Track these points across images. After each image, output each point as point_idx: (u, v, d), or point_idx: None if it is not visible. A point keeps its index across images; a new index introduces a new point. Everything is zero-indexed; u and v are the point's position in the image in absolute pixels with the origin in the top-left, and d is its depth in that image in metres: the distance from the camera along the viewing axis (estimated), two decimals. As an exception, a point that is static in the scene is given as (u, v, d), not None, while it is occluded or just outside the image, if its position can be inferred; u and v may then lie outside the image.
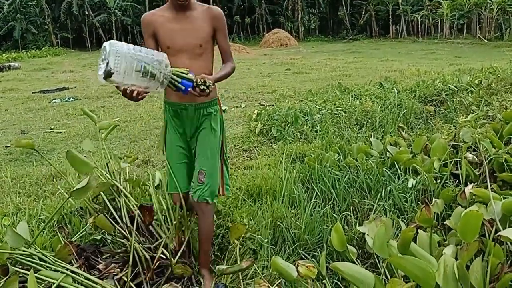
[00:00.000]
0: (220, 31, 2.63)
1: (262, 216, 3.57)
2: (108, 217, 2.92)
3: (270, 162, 4.79)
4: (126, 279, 2.61)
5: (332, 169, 4.13)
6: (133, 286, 2.61)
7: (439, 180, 3.61)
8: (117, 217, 2.97)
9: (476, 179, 3.47)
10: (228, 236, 3.11)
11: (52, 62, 17.52)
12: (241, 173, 4.61)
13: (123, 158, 3.50)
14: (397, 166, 3.98)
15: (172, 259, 2.66)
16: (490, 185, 3.11)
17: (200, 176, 2.66)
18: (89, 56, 17.24)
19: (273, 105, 7.27)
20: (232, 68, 2.73)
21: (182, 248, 2.77)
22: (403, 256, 2.12)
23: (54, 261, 2.42)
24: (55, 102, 9.58)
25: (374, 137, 4.91)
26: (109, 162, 3.11)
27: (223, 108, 7.74)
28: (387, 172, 3.93)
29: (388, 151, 4.32)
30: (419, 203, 3.44)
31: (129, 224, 2.83)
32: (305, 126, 5.80)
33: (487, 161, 3.46)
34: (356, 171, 4.06)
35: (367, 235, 2.72)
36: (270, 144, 5.59)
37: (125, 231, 2.80)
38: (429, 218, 2.55)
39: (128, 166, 3.27)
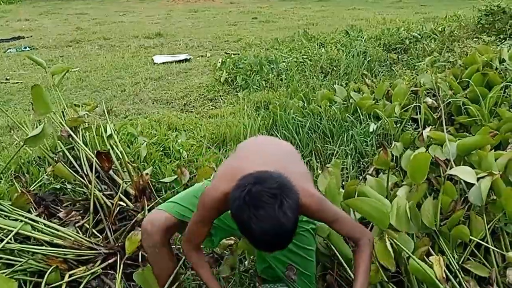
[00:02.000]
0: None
1: (226, 163, 3.58)
2: (67, 166, 2.86)
3: (235, 111, 4.76)
4: (88, 226, 2.60)
5: (296, 115, 4.15)
6: (95, 232, 2.60)
7: (399, 124, 3.68)
8: (76, 165, 2.92)
9: (434, 122, 3.56)
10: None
11: (6, 10, 16.51)
12: (206, 122, 4.57)
13: (82, 106, 3.39)
14: (359, 112, 4.03)
15: (131, 204, 2.66)
16: (447, 128, 3.20)
17: None
18: (45, 4, 16.30)
19: (238, 54, 7.14)
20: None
21: (142, 194, 2.76)
22: (359, 198, 2.18)
23: (11, 210, 2.37)
24: (10, 51, 9.10)
25: (338, 85, 4.93)
26: (65, 109, 3.01)
27: (187, 57, 7.52)
28: (349, 118, 3.98)
29: (352, 98, 4.35)
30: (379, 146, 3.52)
31: (88, 172, 2.78)
32: (270, 74, 5.75)
33: (444, 104, 3.53)
34: (319, 118, 4.09)
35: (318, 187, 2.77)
36: (235, 93, 5.53)
37: (84, 179, 2.76)
38: (387, 161, 2.61)
39: (87, 113, 3.18)
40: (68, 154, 2.97)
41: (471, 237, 2.21)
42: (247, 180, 1.49)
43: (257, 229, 1.42)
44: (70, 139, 3.01)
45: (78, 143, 2.96)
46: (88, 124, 3.23)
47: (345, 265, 2.21)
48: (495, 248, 2.21)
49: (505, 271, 2.11)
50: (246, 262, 2.39)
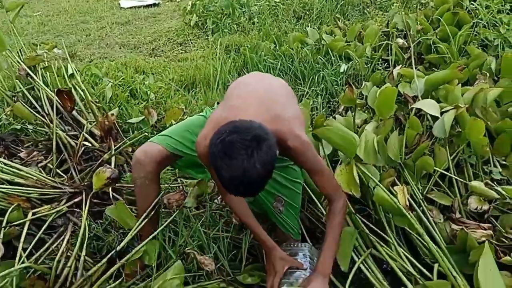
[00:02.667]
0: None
1: (196, 104, 3.51)
2: (27, 106, 2.75)
3: (205, 54, 4.63)
4: (51, 166, 2.53)
5: (267, 58, 4.07)
6: (60, 172, 2.54)
7: (370, 65, 3.66)
8: (37, 106, 2.80)
9: (405, 62, 3.54)
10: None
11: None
12: (175, 65, 4.44)
13: (40, 45, 3.22)
14: (331, 54, 3.97)
15: (97, 144, 2.59)
16: (416, 67, 3.19)
17: None
18: None
19: (209, -2, 6.88)
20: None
21: (108, 135, 2.69)
22: (327, 127, 2.17)
23: (-32, 149, 2.28)
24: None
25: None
26: (22, 48, 2.85)
27: (156, 2, 7.18)
28: (321, 60, 3.92)
29: (323, 40, 4.27)
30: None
31: (50, 112, 2.68)
32: (242, 18, 5.58)
33: (414, 43, 3.51)
34: (291, 60, 4.02)
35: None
36: (206, 37, 5.37)
37: (46, 119, 2.66)
38: (353, 98, 2.59)
39: (46, 52, 3.02)
40: (27, 94, 2.84)
41: (435, 168, 2.25)
42: (225, 128, 1.49)
43: (227, 177, 1.46)
44: (29, 78, 2.87)
45: (38, 83, 2.83)
46: (48, 64, 3.08)
47: (316, 200, 2.24)
48: (458, 178, 2.26)
49: (467, 200, 2.16)
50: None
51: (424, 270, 1.95)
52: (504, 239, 1.92)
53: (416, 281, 1.91)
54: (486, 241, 1.85)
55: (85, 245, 1.93)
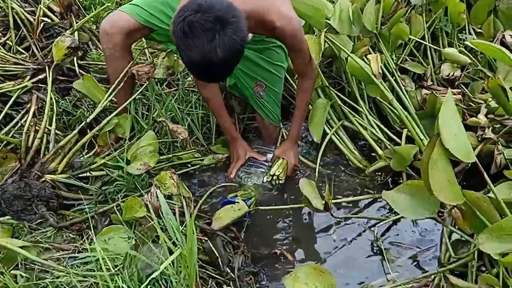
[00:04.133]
0: None
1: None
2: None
3: None
4: (11, 43, 2.39)
5: None
6: (21, 50, 2.41)
7: None
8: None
9: None
10: None
11: None
12: None
13: None
14: None
15: (57, 19, 2.43)
16: None
17: None
18: None
19: None
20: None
21: (68, 11, 2.51)
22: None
23: None
24: None
25: None
26: None
27: None
28: None
29: None
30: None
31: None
32: None
33: None
34: None
35: None
36: None
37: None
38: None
39: None
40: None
41: (410, 36, 2.21)
42: (190, 5, 1.34)
43: (186, 59, 1.36)
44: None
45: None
46: None
47: (288, 77, 2.22)
48: (432, 46, 2.24)
49: (440, 68, 2.17)
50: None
51: (394, 137, 2.02)
52: (472, 103, 1.96)
53: (386, 148, 1.97)
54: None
55: (54, 118, 1.89)
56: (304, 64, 1.81)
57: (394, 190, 1.46)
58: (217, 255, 1.48)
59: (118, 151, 1.74)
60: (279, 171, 1.87)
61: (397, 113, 2.00)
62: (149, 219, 1.45)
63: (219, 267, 1.48)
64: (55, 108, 1.96)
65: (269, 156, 2.02)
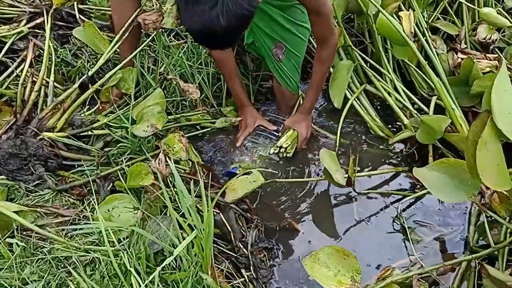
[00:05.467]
0: None
1: None
2: None
3: None
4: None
5: None
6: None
7: None
8: None
9: None
10: None
11: None
12: None
13: None
14: None
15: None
16: None
17: None
18: None
19: None
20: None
21: None
22: None
23: None
24: None
25: None
26: None
27: None
28: None
29: None
30: None
31: None
32: None
33: None
34: None
35: None
36: None
37: None
38: None
39: None
40: None
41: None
42: None
43: (187, 25, 1.18)
44: None
45: None
46: None
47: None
48: (468, 4, 2.03)
49: (474, 30, 1.98)
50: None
51: (421, 104, 1.86)
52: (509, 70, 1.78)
53: (412, 116, 1.82)
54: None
55: (53, 69, 1.72)
56: (324, 30, 1.61)
57: (426, 168, 1.32)
58: (230, 229, 1.36)
59: (122, 110, 1.59)
60: (287, 143, 1.73)
61: (427, 78, 1.83)
62: (157, 188, 1.33)
63: (231, 242, 1.37)
64: (53, 57, 1.79)
65: (281, 126, 1.87)
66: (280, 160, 1.74)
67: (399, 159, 1.79)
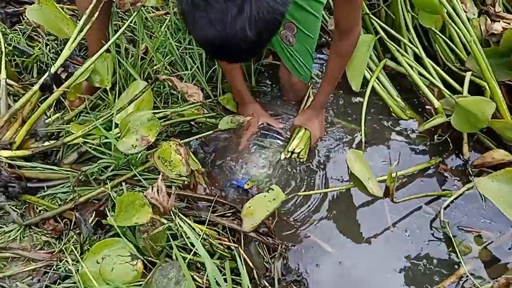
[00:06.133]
0: None
1: None
2: None
3: None
4: None
5: None
6: None
7: None
8: None
9: None
10: None
11: None
12: None
13: None
14: None
15: None
16: None
17: None
18: None
19: None
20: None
21: None
22: None
23: None
24: None
25: None
26: None
27: None
28: None
29: None
30: None
31: None
32: None
33: None
34: None
35: None
36: None
37: None
38: None
39: None
40: None
41: None
42: None
43: (197, 37, 0.88)
44: None
45: None
46: None
47: None
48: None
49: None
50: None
51: (451, 81, 1.59)
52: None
53: (441, 95, 1.55)
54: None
55: (3, 62, 1.35)
56: (351, 19, 1.30)
57: (490, 178, 1.09)
58: (252, 266, 1.10)
59: (101, 118, 1.25)
60: (300, 148, 1.45)
61: (456, 48, 1.56)
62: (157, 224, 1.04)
63: (254, 279, 1.11)
64: (2, 44, 1.42)
65: (289, 122, 1.58)
66: (293, 169, 1.46)
67: (429, 148, 1.54)
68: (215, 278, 0.89)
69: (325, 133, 1.55)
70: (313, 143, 1.49)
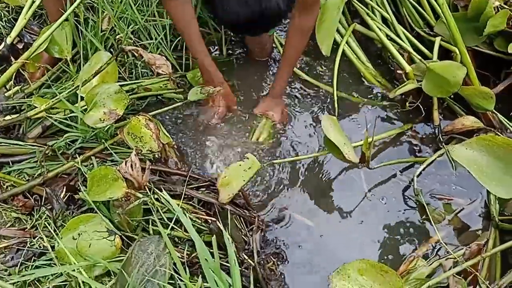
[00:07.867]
0: None
1: None
2: None
3: None
4: None
5: None
6: None
7: None
8: None
9: None
10: None
11: None
12: None
13: None
14: None
15: None
16: None
17: None
18: None
19: None
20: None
21: None
22: None
23: None
24: None
25: None
26: None
27: None
28: None
29: None
30: None
31: None
32: None
33: None
34: None
35: None
36: None
37: None
38: None
39: None
40: None
41: None
42: None
43: (225, 15, 1.00)
44: None
45: None
46: None
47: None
48: None
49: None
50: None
51: (421, 46, 1.59)
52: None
53: (411, 61, 1.55)
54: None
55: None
56: None
57: (464, 146, 1.10)
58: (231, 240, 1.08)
59: (65, 91, 1.18)
60: (263, 137, 1.41)
61: (425, 13, 1.56)
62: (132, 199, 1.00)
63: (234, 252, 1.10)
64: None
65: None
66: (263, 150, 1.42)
67: (400, 115, 1.55)
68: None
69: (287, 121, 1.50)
70: (277, 129, 1.46)
